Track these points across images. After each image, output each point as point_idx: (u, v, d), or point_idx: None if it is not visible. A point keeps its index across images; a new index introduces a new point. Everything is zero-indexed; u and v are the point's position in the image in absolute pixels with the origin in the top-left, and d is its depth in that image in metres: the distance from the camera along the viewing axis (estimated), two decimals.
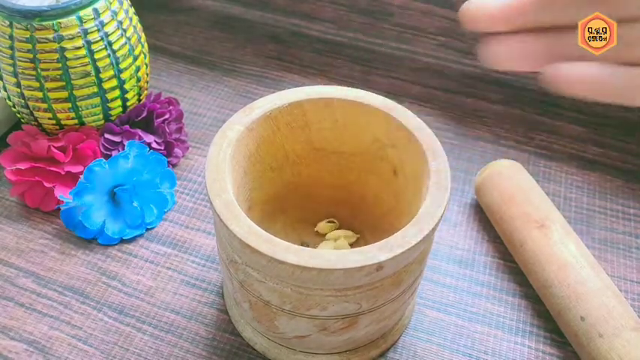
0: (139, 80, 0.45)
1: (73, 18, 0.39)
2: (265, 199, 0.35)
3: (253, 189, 0.33)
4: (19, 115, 0.45)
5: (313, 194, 0.38)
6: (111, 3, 0.41)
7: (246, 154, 0.31)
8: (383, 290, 0.27)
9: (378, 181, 0.34)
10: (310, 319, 0.28)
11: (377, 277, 0.25)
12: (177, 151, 0.46)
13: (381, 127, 0.32)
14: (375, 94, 0.32)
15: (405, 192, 0.32)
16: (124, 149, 0.43)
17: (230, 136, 0.29)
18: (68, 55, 0.39)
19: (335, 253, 0.25)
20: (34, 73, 0.40)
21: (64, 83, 0.41)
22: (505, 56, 0.21)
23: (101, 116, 0.44)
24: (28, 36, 0.39)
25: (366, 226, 0.38)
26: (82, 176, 0.40)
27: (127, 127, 0.44)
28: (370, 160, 0.34)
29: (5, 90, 0.43)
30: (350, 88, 0.32)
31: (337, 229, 0.39)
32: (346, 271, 0.24)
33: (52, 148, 0.41)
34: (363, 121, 0.32)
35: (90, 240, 0.41)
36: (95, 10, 0.40)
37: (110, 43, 0.41)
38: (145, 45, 0.46)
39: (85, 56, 0.40)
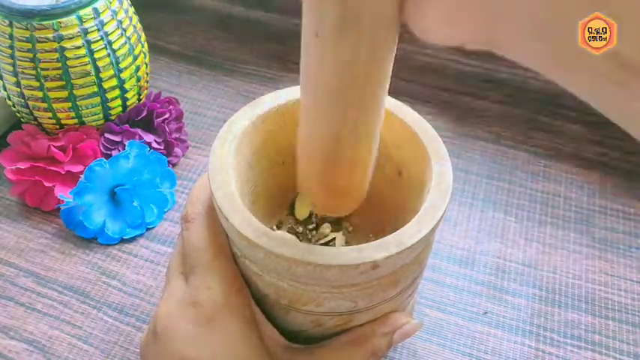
0: (138, 80, 0.45)
1: (72, 17, 0.39)
2: (270, 194, 0.35)
3: (258, 183, 0.33)
4: (18, 115, 0.45)
5: None
6: (111, 2, 0.41)
7: (251, 149, 0.31)
8: (379, 289, 0.27)
9: (382, 180, 0.34)
10: (306, 315, 0.28)
11: (373, 275, 0.25)
12: (177, 150, 0.46)
13: (387, 127, 0.32)
14: None
15: (409, 192, 0.32)
16: (124, 149, 0.43)
17: (235, 130, 0.29)
18: (68, 54, 0.39)
19: (332, 250, 0.25)
20: (33, 72, 0.40)
21: (63, 83, 0.41)
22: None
23: (101, 116, 0.44)
24: (28, 35, 0.39)
25: (370, 226, 0.38)
26: (82, 176, 0.40)
27: (127, 126, 0.44)
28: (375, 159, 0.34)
29: (5, 89, 0.43)
30: None
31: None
32: (342, 267, 0.24)
33: (52, 147, 0.41)
34: None
35: (90, 239, 0.41)
36: (95, 10, 0.40)
37: (110, 43, 0.41)
38: (145, 44, 0.46)
39: (84, 56, 0.40)
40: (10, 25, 0.39)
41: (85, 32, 0.40)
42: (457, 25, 0.18)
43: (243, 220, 0.25)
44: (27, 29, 0.38)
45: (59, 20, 0.38)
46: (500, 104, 0.52)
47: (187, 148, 0.47)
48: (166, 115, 0.45)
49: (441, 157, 0.29)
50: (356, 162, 0.26)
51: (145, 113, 0.45)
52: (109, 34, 0.41)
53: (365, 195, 0.30)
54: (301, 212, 0.34)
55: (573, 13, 0.16)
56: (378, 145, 0.27)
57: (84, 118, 0.43)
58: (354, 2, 0.19)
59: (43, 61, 0.40)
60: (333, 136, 0.25)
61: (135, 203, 0.41)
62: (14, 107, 0.44)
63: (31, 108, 0.42)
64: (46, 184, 0.41)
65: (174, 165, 0.46)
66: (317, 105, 0.24)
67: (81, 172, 0.41)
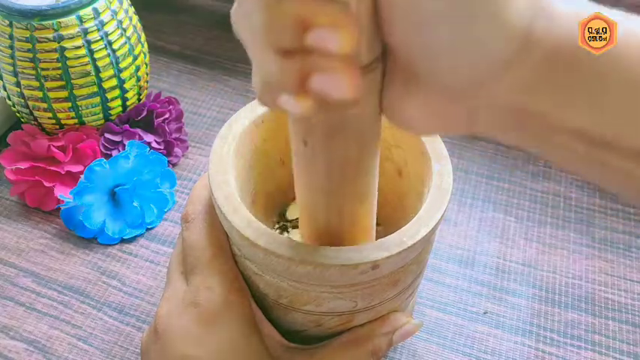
0: (138, 80, 0.45)
1: (72, 17, 0.39)
2: (270, 194, 0.35)
3: (258, 183, 0.33)
4: (18, 115, 0.45)
5: None
6: (111, 2, 0.41)
7: (251, 148, 0.31)
8: (379, 289, 0.27)
9: (383, 181, 0.34)
10: (306, 315, 0.28)
11: (372, 275, 0.25)
12: (177, 150, 0.46)
13: (387, 127, 0.32)
14: None
15: (408, 193, 0.32)
16: (124, 149, 0.43)
17: (236, 129, 0.29)
18: (68, 54, 0.39)
19: (331, 250, 0.25)
20: (33, 72, 0.40)
21: (63, 83, 0.41)
22: None
23: (101, 116, 0.44)
24: (27, 35, 0.39)
25: None
26: (82, 176, 0.40)
27: (127, 126, 0.44)
28: None
29: (5, 89, 0.43)
30: None
31: None
32: (341, 267, 0.24)
33: (52, 147, 0.41)
34: None
35: (90, 239, 0.41)
36: (95, 10, 0.40)
37: (110, 43, 0.41)
38: (145, 44, 0.46)
39: (84, 56, 0.40)
40: (10, 25, 0.39)
41: (85, 32, 0.40)
42: (436, 120, 0.19)
43: (243, 220, 0.26)
44: (27, 29, 0.38)
45: (59, 20, 0.38)
46: None
47: (187, 148, 0.47)
48: (166, 115, 0.45)
49: (441, 157, 0.29)
50: (357, 234, 0.27)
51: (144, 113, 0.45)
52: (109, 34, 0.41)
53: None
54: (293, 212, 0.34)
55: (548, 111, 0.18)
56: (374, 218, 0.28)
57: (84, 118, 0.43)
58: (339, 111, 0.20)
59: (43, 61, 0.39)
60: (330, 223, 0.26)
61: (135, 203, 0.41)
62: (14, 107, 0.44)
63: (31, 108, 0.42)
64: (46, 184, 0.41)
65: (174, 165, 0.46)
66: (313, 204, 0.25)
67: (81, 172, 0.41)
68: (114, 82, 0.42)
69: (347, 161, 0.22)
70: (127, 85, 0.44)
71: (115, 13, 0.41)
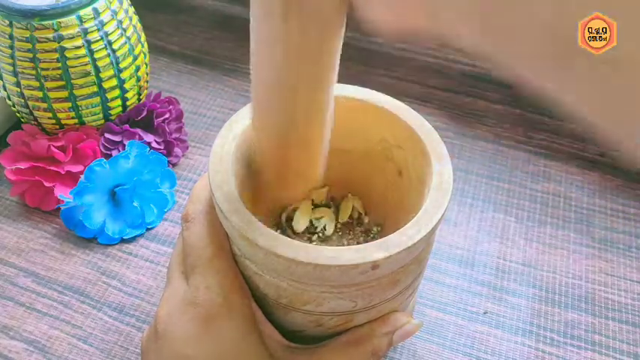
0: (138, 80, 0.45)
1: (72, 17, 0.39)
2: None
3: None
4: (18, 115, 0.45)
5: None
6: (111, 2, 0.41)
7: (252, 148, 0.31)
8: (379, 289, 0.27)
9: (383, 181, 0.34)
10: (306, 315, 0.28)
11: (373, 275, 0.25)
12: (177, 150, 0.46)
13: (388, 127, 0.32)
14: (382, 94, 0.32)
15: (409, 193, 0.32)
16: (124, 149, 0.43)
17: (236, 129, 0.29)
18: (68, 54, 0.40)
19: (331, 250, 0.25)
20: (33, 72, 0.40)
21: (63, 83, 0.41)
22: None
23: (101, 116, 0.44)
24: (27, 35, 0.39)
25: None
26: (82, 176, 0.40)
27: (127, 126, 0.44)
28: (376, 159, 0.34)
29: (5, 89, 0.43)
30: (357, 86, 0.32)
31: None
32: (341, 267, 0.24)
33: (52, 147, 0.41)
34: (369, 120, 0.32)
35: (90, 239, 0.41)
36: (95, 10, 0.40)
37: (110, 43, 0.41)
38: (145, 44, 0.46)
39: (84, 56, 0.40)
40: (10, 25, 0.39)
41: (85, 32, 0.40)
42: (401, 10, 0.19)
43: (243, 220, 0.26)
44: (27, 29, 0.38)
45: (59, 20, 0.38)
46: (500, 104, 0.52)
47: (187, 148, 0.47)
48: (166, 115, 0.45)
49: (441, 157, 0.29)
50: (309, 142, 0.28)
51: (144, 113, 0.45)
52: (109, 34, 0.41)
53: (320, 181, 0.31)
54: (300, 224, 0.34)
55: None
56: (330, 128, 0.28)
57: (84, 118, 0.43)
58: None
59: (43, 61, 0.40)
60: (286, 118, 0.26)
61: (135, 203, 0.41)
62: (14, 107, 0.44)
63: (31, 108, 0.42)
64: (46, 184, 0.41)
65: (174, 165, 0.46)
66: (271, 90, 0.25)
67: (81, 172, 0.41)
68: (114, 82, 0.42)
69: (305, 45, 0.22)
70: (127, 85, 0.44)
71: (115, 13, 0.41)
